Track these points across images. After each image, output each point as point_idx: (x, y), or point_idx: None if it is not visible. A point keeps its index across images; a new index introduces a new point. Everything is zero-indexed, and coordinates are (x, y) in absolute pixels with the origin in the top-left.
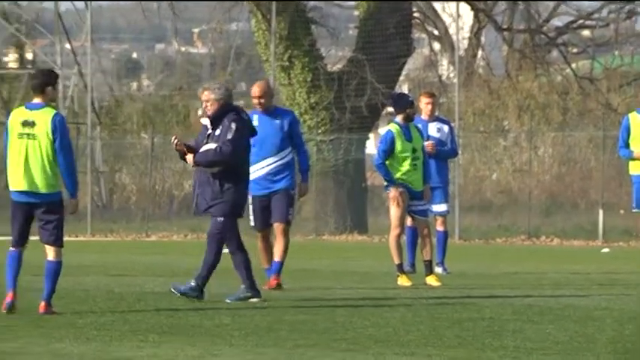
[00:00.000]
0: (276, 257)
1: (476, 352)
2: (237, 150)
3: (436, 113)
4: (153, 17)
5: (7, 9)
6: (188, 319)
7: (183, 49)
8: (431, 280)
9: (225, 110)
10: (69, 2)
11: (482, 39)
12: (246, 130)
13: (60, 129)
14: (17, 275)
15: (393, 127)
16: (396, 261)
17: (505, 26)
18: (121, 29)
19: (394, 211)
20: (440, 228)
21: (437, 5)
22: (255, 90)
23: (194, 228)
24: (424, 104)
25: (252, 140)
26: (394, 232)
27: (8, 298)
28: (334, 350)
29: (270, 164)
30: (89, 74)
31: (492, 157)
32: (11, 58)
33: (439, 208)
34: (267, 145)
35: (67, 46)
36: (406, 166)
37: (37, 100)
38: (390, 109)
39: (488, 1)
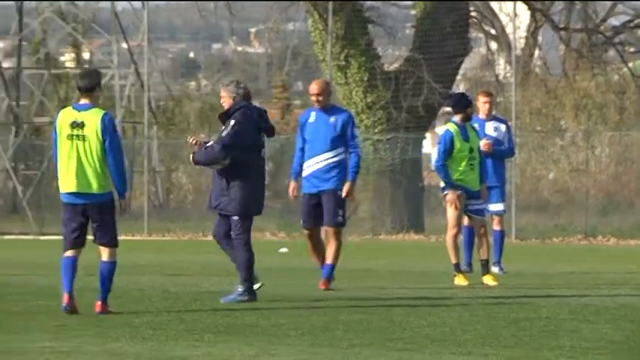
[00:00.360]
0: (328, 260)
1: (532, 352)
2: (229, 147)
3: (493, 112)
4: (209, 17)
5: (64, 9)
6: (244, 318)
7: (239, 48)
8: (487, 280)
9: (236, 108)
10: (126, 2)
11: (539, 38)
12: (248, 128)
13: (110, 129)
14: (73, 280)
15: (452, 127)
16: (453, 260)
17: (562, 25)
18: (178, 29)
19: (451, 212)
20: (496, 227)
21: (494, 5)
22: (314, 87)
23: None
24: (482, 103)
25: (306, 137)
26: (451, 231)
27: (65, 301)
28: (390, 350)
29: (321, 162)
30: (146, 74)
31: (549, 157)
32: (68, 58)
33: (496, 207)
34: (320, 142)
35: (124, 45)
36: (463, 166)
37: (84, 101)
38: (447, 108)
39: (546, 1)
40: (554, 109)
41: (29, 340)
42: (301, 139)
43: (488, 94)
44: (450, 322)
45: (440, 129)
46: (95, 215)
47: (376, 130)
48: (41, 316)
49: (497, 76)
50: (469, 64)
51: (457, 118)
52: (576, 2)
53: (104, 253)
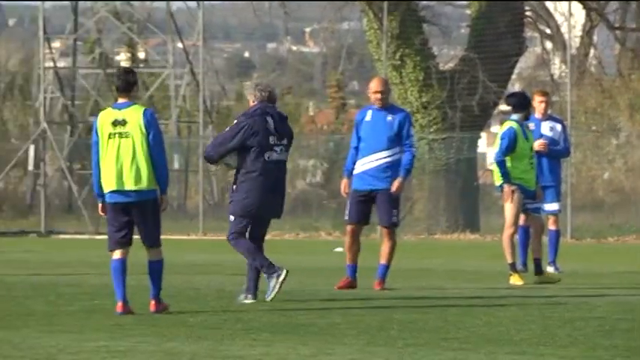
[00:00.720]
0: (383, 260)
1: (587, 352)
2: (213, 148)
3: (549, 112)
4: (264, 16)
5: (119, 8)
6: (300, 318)
7: (294, 48)
8: (542, 278)
9: (249, 110)
10: (181, 1)
11: (595, 38)
12: (247, 131)
13: (153, 123)
14: (125, 284)
15: (514, 125)
16: (509, 260)
17: (617, 25)
18: (233, 28)
19: (509, 210)
20: (552, 227)
21: (549, 4)
22: (377, 85)
23: (305, 227)
24: (537, 102)
25: (362, 135)
26: (508, 230)
27: (118, 309)
28: (445, 349)
29: (377, 160)
30: (201, 73)
31: (604, 156)
32: (123, 58)
33: (551, 207)
34: (376, 141)
35: (179, 45)
36: (524, 164)
37: (123, 100)
38: (504, 107)
39: (601, 0)
40: (610, 109)
41: (85, 340)
42: (356, 137)
43: (545, 94)
44: (505, 322)
45: (495, 128)
46: (139, 213)
47: (431, 130)
48: (97, 316)
49: (552, 75)
50: (524, 63)
51: (518, 116)
52: (631, 1)
53: (150, 253)
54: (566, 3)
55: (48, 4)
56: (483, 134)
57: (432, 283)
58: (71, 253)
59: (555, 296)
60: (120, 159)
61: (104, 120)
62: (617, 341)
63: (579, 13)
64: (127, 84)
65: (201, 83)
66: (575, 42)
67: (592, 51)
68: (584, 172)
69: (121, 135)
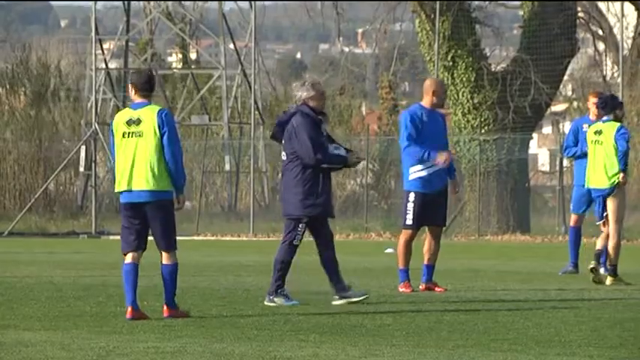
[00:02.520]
0: (432, 261)
1: (637, 352)
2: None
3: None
4: (317, 17)
5: (171, 9)
6: (350, 319)
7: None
8: (608, 281)
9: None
10: (233, 2)
11: None
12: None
13: (167, 123)
14: (136, 289)
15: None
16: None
17: None
18: (285, 29)
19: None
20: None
21: (601, 5)
22: (437, 85)
23: (356, 228)
24: (592, 104)
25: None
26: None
27: (128, 315)
28: (495, 351)
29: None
30: (253, 74)
31: None
32: (175, 59)
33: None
34: (436, 142)
35: (231, 46)
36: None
37: (140, 100)
38: (556, 108)
39: None
40: None
41: (134, 341)
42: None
43: (598, 95)
44: (554, 323)
45: (547, 129)
46: (152, 215)
47: (483, 131)
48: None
49: (604, 76)
50: (576, 64)
51: (607, 118)
52: None
53: (164, 256)
54: (619, 4)
55: (100, 4)
56: (535, 135)
57: (482, 284)
58: (121, 255)
59: (606, 297)
60: (133, 158)
61: (119, 119)
62: None
63: (632, 14)
64: (145, 84)
65: (253, 84)
66: (628, 43)
67: None
68: (636, 173)
69: (134, 134)
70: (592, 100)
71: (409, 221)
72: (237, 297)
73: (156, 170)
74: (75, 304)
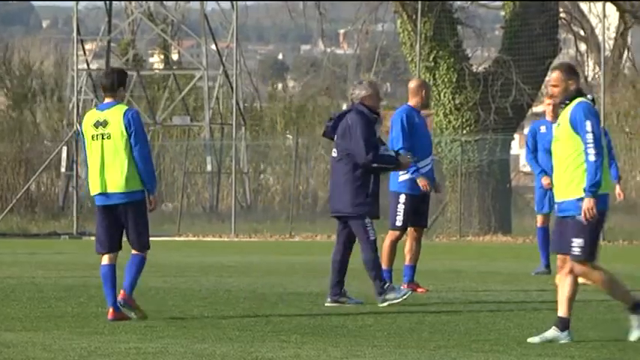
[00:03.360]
0: (412, 261)
1: (618, 354)
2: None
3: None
4: (298, 18)
5: (153, 10)
6: (331, 319)
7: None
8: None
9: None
10: (215, 3)
11: (629, 39)
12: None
13: (134, 123)
14: (115, 290)
15: None
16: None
17: None
18: (267, 30)
19: None
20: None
21: (583, 6)
22: (426, 85)
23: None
24: (546, 105)
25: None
26: None
27: (110, 316)
28: (476, 351)
29: (428, 164)
30: (235, 75)
31: (637, 158)
32: (156, 59)
33: None
34: (427, 143)
35: (213, 47)
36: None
37: (108, 100)
38: (537, 109)
39: (635, 2)
40: None
41: (115, 342)
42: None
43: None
44: (536, 324)
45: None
46: (125, 216)
47: (464, 132)
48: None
49: (585, 77)
50: None
51: None
52: None
53: (134, 252)
54: (601, 4)
55: (82, 5)
56: (516, 136)
57: (463, 284)
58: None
59: (587, 298)
60: (103, 160)
61: (87, 122)
62: None
63: (613, 14)
64: (113, 84)
65: (235, 85)
66: (609, 44)
67: (626, 53)
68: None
69: (102, 136)
70: (547, 102)
71: (399, 222)
72: (219, 298)
73: (126, 171)
74: (56, 305)
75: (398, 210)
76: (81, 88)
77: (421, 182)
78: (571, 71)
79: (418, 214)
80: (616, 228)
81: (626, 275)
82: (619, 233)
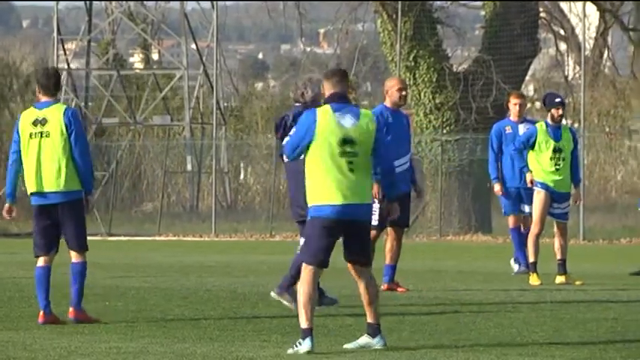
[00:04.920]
0: (393, 261)
1: (599, 353)
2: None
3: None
4: (278, 17)
5: (133, 10)
6: None
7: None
8: (560, 279)
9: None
10: (195, 2)
11: (609, 39)
12: None
13: (74, 122)
14: (48, 293)
15: (539, 125)
16: (531, 259)
17: (631, 26)
18: (247, 29)
19: (535, 209)
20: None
21: (563, 5)
22: (402, 83)
23: None
24: (512, 105)
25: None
26: (534, 229)
27: (40, 319)
28: (457, 351)
29: (405, 164)
30: (215, 75)
31: (617, 158)
32: (137, 59)
33: (530, 208)
34: (403, 142)
35: (193, 46)
36: (547, 165)
37: (46, 99)
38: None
39: (615, 1)
40: (623, 110)
41: (96, 341)
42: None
43: (520, 96)
44: (516, 324)
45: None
46: (61, 216)
47: (445, 131)
48: (108, 317)
49: (566, 77)
50: (538, 64)
51: (548, 118)
52: None
53: (73, 255)
54: (581, 4)
55: (62, 5)
56: None
57: (443, 284)
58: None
59: (567, 298)
60: (41, 159)
61: (25, 120)
62: (629, 343)
63: (593, 14)
64: (50, 83)
65: (215, 84)
66: (590, 43)
67: (606, 52)
68: (597, 174)
69: (41, 135)
70: (513, 101)
71: (374, 222)
72: (200, 297)
73: (65, 170)
74: (37, 305)
75: (373, 209)
76: (61, 87)
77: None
78: None
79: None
80: (596, 227)
81: (606, 274)
82: (599, 233)
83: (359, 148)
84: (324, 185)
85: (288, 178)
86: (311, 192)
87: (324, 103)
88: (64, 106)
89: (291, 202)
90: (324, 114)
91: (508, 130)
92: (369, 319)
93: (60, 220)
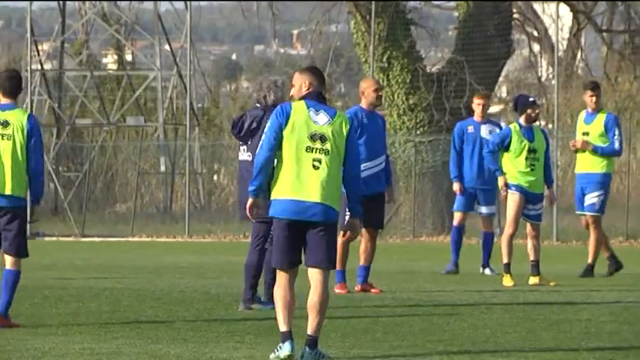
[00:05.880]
0: (367, 262)
1: (572, 354)
2: None
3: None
4: (252, 18)
5: (106, 10)
6: None
7: (282, 50)
8: (533, 280)
9: None
10: (168, 3)
11: (582, 40)
12: None
13: (36, 130)
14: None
15: (513, 126)
16: (505, 260)
17: (604, 27)
18: (220, 30)
19: (509, 210)
20: (486, 229)
21: (537, 6)
22: (378, 83)
23: None
24: (476, 105)
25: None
26: (508, 230)
27: None
28: (431, 352)
29: (380, 164)
30: (188, 76)
31: None
32: (110, 60)
33: (486, 209)
34: (377, 144)
35: (167, 47)
36: (522, 166)
37: (7, 101)
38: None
39: (588, 2)
40: None
41: (69, 342)
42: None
43: (483, 97)
44: (490, 324)
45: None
46: (7, 220)
47: (418, 132)
48: (81, 318)
49: (539, 77)
50: (512, 65)
51: (521, 119)
52: (619, 3)
53: (8, 261)
54: (554, 5)
55: (35, 5)
56: None
57: (417, 285)
58: (57, 256)
59: (541, 299)
60: (2, 160)
61: None
62: (603, 343)
63: (567, 15)
64: (14, 86)
65: (189, 85)
66: (563, 44)
67: (579, 53)
68: (570, 175)
69: (2, 137)
70: (476, 102)
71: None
72: (173, 298)
73: (18, 175)
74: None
75: (347, 210)
76: (35, 88)
77: None
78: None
79: (371, 214)
80: (569, 228)
81: (579, 276)
82: (572, 234)
83: (329, 147)
84: (285, 179)
85: (238, 179)
86: (273, 185)
87: (300, 99)
88: (27, 112)
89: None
90: (298, 107)
91: (470, 129)
92: (308, 330)
93: (2, 224)
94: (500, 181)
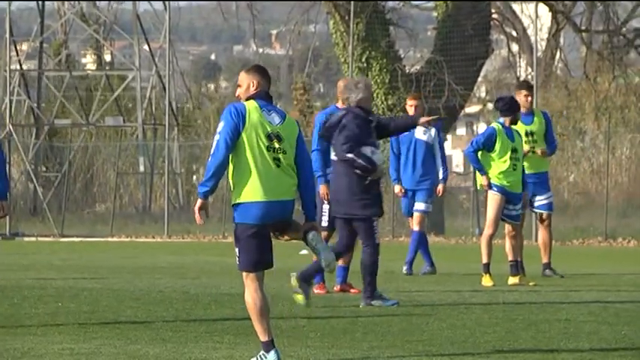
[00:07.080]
0: (347, 262)
1: (551, 354)
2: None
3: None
4: (231, 18)
5: (85, 10)
6: None
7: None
8: (513, 280)
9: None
10: (147, 3)
11: (561, 40)
12: None
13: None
14: None
15: (497, 126)
16: (484, 260)
17: (583, 27)
18: (199, 30)
19: (489, 210)
20: (416, 227)
21: (515, 6)
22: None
23: None
24: (409, 106)
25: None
26: (488, 231)
27: None
28: (409, 352)
29: None
30: (167, 76)
31: (570, 159)
32: (89, 60)
33: (419, 206)
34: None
35: (146, 47)
36: (505, 166)
37: None
38: (469, 109)
39: (567, 2)
40: (575, 111)
41: (48, 342)
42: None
43: (416, 98)
44: (469, 325)
45: (461, 130)
46: None
47: None
48: (60, 318)
49: (518, 78)
50: (490, 66)
51: (503, 120)
52: (598, 4)
53: None
54: (533, 5)
55: (14, 5)
56: (449, 137)
57: (396, 285)
58: (36, 256)
59: (520, 299)
60: None
61: None
62: (582, 343)
63: (546, 15)
64: None
65: (167, 85)
66: (542, 44)
67: (558, 53)
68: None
69: None
70: (409, 103)
71: (324, 223)
72: (152, 298)
73: None
74: None
75: (323, 210)
76: (14, 88)
77: (321, 190)
78: None
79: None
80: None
81: (558, 277)
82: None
83: (285, 146)
84: (251, 181)
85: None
86: (237, 188)
87: (248, 99)
88: None
89: None
90: (252, 107)
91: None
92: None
93: None
94: (484, 181)
